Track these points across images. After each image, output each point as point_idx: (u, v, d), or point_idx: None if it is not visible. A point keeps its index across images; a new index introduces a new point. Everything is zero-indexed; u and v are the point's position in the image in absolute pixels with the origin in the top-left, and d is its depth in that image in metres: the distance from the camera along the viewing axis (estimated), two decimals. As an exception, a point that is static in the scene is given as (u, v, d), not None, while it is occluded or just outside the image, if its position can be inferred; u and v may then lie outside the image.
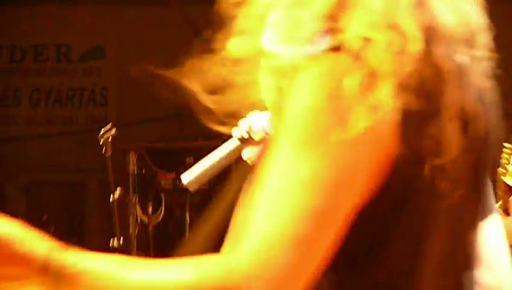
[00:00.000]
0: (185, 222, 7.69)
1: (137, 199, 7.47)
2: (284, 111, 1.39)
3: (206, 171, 2.64)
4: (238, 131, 2.73)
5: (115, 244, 5.79)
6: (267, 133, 2.73)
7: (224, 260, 1.38)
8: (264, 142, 2.62)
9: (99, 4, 9.56)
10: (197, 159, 4.99)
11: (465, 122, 1.42)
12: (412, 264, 1.45)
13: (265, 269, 1.36)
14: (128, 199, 7.31)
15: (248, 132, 2.73)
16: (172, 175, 7.50)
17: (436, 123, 1.40)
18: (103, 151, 5.62)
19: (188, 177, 2.63)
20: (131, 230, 7.43)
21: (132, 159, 7.55)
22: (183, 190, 5.61)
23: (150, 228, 7.50)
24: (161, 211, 7.48)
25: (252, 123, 2.73)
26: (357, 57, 1.35)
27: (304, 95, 1.38)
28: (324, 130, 1.37)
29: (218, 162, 2.68)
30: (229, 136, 2.79)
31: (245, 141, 2.73)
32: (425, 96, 1.37)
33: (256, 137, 2.76)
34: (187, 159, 7.26)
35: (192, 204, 7.60)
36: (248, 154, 2.79)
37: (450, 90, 1.40)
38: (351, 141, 1.35)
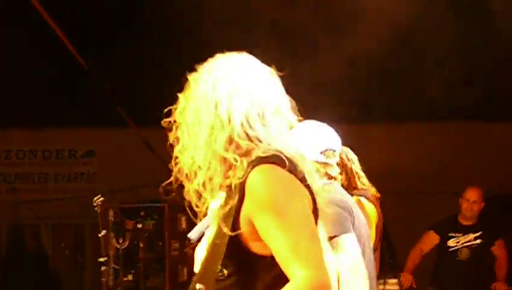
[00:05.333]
0: (139, 247, 8.41)
1: (113, 235, 8.12)
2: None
3: (198, 231, 2.94)
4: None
5: (102, 260, 6.64)
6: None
7: (299, 278, 2.00)
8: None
9: (95, 130, 11.03)
10: (146, 214, 8.39)
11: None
12: None
13: (314, 263, 2.01)
14: (108, 234, 7.67)
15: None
16: (132, 222, 8.37)
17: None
18: (95, 208, 6.36)
19: (192, 234, 3.03)
20: (110, 252, 7.94)
21: (111, 213, 8.12)
22: (138, 229, 8.28)
23: (120, 251, 8.19)
24: (126, 241, 8.12)
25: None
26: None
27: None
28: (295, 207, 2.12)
29: (201, 226, 2.93)
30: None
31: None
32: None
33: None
34: (140, 213, 8.56)
35: (143, 237, 8.39)
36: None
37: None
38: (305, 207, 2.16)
